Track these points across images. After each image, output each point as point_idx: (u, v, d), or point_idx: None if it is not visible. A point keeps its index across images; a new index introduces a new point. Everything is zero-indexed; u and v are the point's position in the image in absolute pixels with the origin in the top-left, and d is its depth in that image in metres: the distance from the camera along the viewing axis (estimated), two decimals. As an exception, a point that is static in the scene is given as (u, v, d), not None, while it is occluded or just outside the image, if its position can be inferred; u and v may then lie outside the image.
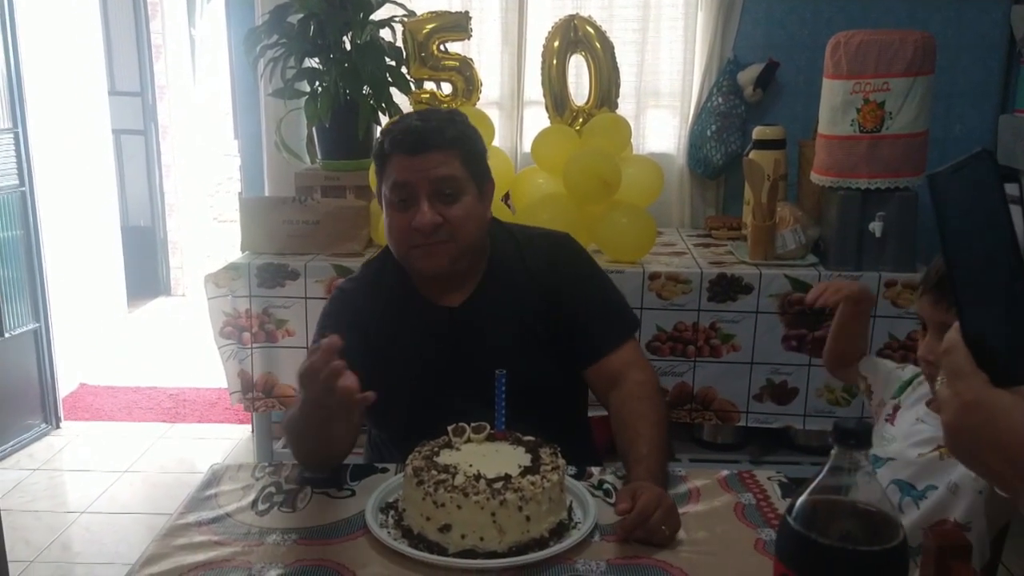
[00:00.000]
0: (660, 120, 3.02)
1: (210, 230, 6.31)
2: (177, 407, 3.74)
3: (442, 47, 2.58)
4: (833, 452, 0.74)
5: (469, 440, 1.28)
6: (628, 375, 1.49)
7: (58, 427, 3.50)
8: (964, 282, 0.66)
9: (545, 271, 1.55)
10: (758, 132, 2.66)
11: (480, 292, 1.53)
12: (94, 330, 4.19)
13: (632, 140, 2.72)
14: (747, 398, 2.48)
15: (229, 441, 3.43)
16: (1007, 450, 0.63)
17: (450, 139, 1.45)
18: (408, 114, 1.56)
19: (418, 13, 2.65)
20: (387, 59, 2.63)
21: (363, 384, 1.49)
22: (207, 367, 3.69)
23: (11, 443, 3.27)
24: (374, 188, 2.49)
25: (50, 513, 2.85)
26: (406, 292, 1.54)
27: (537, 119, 2.86)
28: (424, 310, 1.53)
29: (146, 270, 5.39)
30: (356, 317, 1.53)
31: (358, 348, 1.49)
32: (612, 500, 1.30)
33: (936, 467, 1.19)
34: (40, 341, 3.42)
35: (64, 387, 3.65)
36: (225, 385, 2.59)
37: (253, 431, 3.01)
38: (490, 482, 1.14)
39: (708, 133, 2.88)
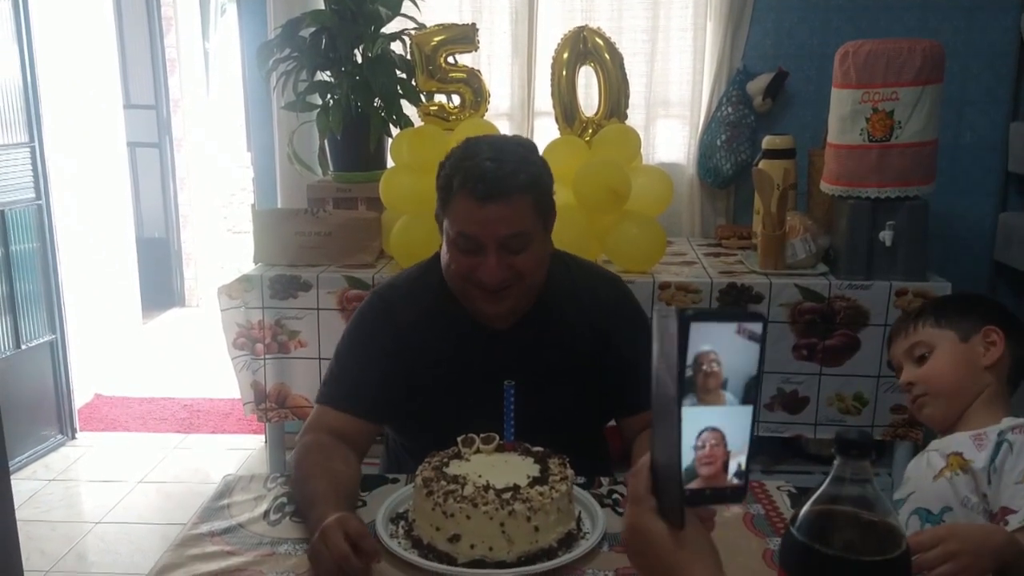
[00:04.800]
0: (670, 130, 3.03)
1: (223, 241, 6.37)
2: (191, 418, 3.77)
3: (450, 59, 2.59)
4: (836, 463, 0.74)
5: (478, 451, 1.29)
6: None
7: (74, 438, 3.53)
8: (657, 412, 0.72)
9: (598, 311, 1.53)
10: (767, 142, 2.66)
11: (530, 319, 1.50)
12: (109, 341, 4.23)
13: (642, 150, 2.72)
14: (758, 407, 2.47)
15: (243, 451, 3.45)
16: None
17: (524, 184, 1.39)
18: (480, 147, 1.41)
19: (428, 26, 2.68)
20: (398, 72, 2.66)
21: (394, 397, 1.49)
22: (221, 378, 3.72)
23: (27, 454, 3.30)
24: (385, 196, 2.54)
25: (65, 523, 2.87)
26: (451, 309, 1.50)
27: (547, 129, 2.87)
28: (469, 330, 1.49)
29: (160, 281, 5.43)
30: (394, 332, 1.50)
31: (393, 364, 1.48)
32: (621, 510, 1.31)
33: (946, 488, 1.20)
34: (56, 353, 3.45)
35: (79, 398, 3.68)
36: (238, 396, 2.61)
37: (266, 441, 3.02)
38: (499, 492, 1.15)
39: (718, 143, 2.88)
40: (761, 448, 2.73)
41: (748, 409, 0.70)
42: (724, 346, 0.67)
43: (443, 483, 1.18)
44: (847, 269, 2.41)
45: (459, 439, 1.30)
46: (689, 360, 0.67)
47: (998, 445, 1.18)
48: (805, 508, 0.76)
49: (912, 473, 1.29)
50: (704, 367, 0.67)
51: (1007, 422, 1.22)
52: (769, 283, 2.40)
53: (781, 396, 2.46)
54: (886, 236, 2.35)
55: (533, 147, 1.49)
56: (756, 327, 0.68)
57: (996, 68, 2.87)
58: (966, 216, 2.96)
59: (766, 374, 2.45)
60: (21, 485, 3.08)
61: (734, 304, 2.40)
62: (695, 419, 0.68)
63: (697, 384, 0.67)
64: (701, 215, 3.01)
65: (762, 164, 2.61)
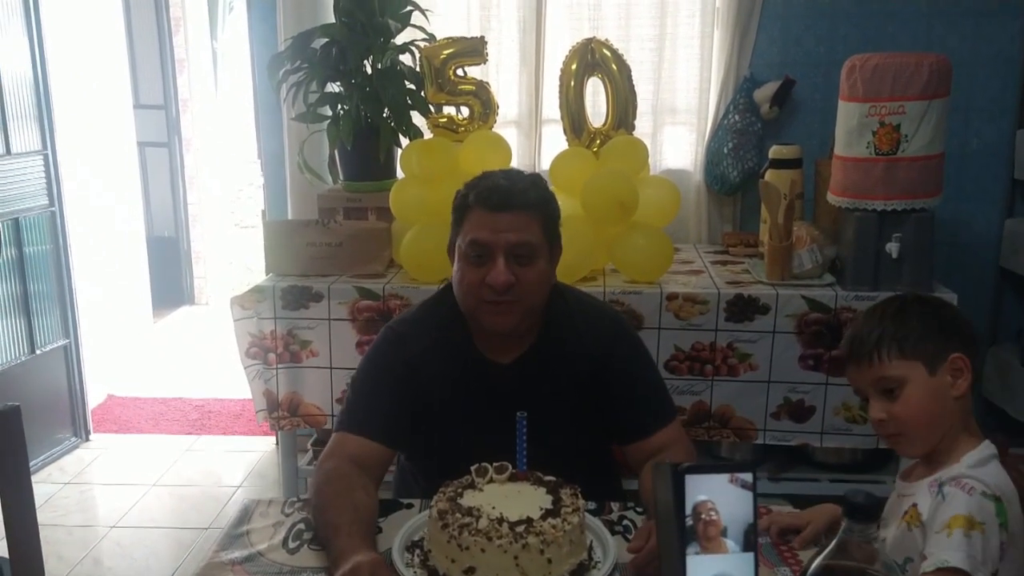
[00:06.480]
0: (677, 137, 3.04)
1: (231, 236, 6.40)
2: (203, 419, 3.81)
3: (459, 71, 2.61)
4: (843, 524, 0.77)
5: (492, 480, 1.32)
6: (667, 451, 1.53)
7: (88, 440, 3.58)
8: (665, 554, 0.76)
9: (598, 345, 1.58)
10: (774, 151, 2.68)
11: (533, 352, 1.56)
12: (121, 341, 4.27)
13: (649, 158, 2.74)
14: (764, 416, 2.51)
15: (255, 453, 3.49)
16: None
17: (533, 202, 1.49)
18: (493, 172, 1.56)
19: (437, 37, 2.69)
20: (407, 83, 2.67)
21: (407, 424, 1.54)
22: (231, 378, 3.75)
23: (43, 456, 3.34)
24: (395, 206, 2.56)
25: (81, 527, 2.92)
26: (460, 342, 1.57)
27: (555, 138, 2.89)
28: (476, 363, 1.56)
29: (170, 280, 5.48)
30: (405, 363, 1.55)
31: (405, 393, 1.54)
32: (631, 538, 1.34)
33: (907, 538, 1.20)
34: (70, 356, 3.49)
35: (92, 399, 3.72)
36: (249, 396, 2.65)
37: (278, 444, 3.06)
38: (512, 525, 1.18)
39: (725, 150, 2.90)
40: (767, 457, 2.76)
41: (750, 556, 0.74)
42: (720, 495, 0.72)
43: (458, 515, 1.21)
44: (853, 280, 2.43)
45: (472, 469, 1.33)
46: (688, 510, 0.71)
47: (936, 496, 1.17)
48: (815, 564, 0.78)
49: (887, 513, 1.28)
50: (703, 516, 0.71)
51: (953, 470, 1.19)
52: (776, 294, 2.42)
53: (787, 405, 2.49)
54: (892, 248, 2.37)
55: (544, 180, 1.57)
56: (747, 477, 0.73)
57: (1003, 76, 2.88)
58: (972, 223, 2.97)
59: (773, 383, 2.48)
60: (37, 488, 3.04)
61: (741, 314, 2.43)
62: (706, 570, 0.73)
63: (698, 533, 0.71)
64: (708, 222, 3.03)
65: (769, 174, 2.63)
